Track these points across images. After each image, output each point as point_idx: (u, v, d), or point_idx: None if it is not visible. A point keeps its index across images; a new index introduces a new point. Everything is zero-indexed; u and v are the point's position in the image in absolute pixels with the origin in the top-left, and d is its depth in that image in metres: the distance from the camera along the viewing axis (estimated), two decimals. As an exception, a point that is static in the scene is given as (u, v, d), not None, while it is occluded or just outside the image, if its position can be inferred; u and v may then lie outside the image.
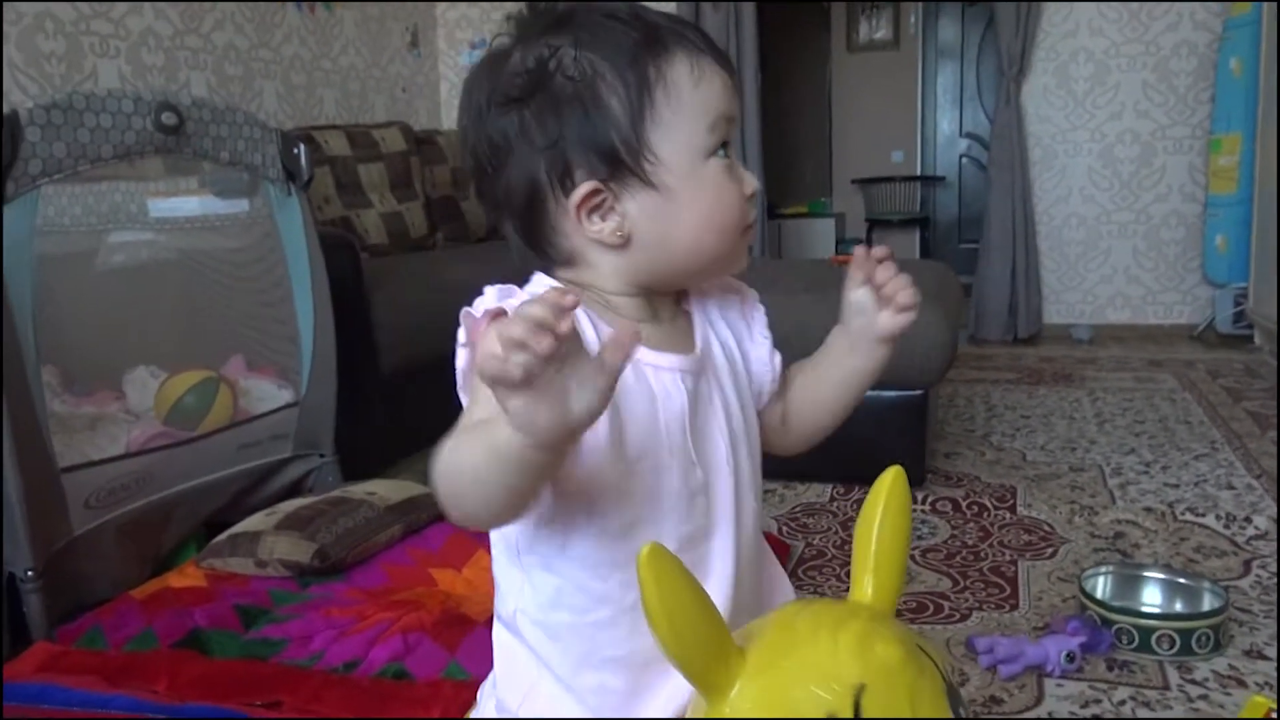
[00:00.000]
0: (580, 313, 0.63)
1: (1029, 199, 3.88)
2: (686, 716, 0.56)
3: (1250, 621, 1.42)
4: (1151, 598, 1.47)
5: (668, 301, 0.70)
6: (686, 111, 0.63)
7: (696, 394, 0.67)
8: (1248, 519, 1.82)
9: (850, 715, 0.48)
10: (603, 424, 0.61)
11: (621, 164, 0.62)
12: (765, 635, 0.53)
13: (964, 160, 6.25)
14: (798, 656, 0.51)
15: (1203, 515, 1.86)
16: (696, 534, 0.65)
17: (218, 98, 3.06)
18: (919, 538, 1.80)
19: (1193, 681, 1.27)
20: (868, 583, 0.57)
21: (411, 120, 4.02)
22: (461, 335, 0.63)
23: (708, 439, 0.67)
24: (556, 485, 0.62)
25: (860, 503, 1.99)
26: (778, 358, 0.75)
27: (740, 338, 0.73)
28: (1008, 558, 1.70)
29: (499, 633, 0.70)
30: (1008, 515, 1.90)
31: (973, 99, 6.14)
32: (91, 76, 2.63)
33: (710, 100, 0.64)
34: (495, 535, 0.68)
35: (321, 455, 2.00)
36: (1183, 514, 1.87)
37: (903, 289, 0.70)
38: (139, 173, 1.86)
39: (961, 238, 6.03)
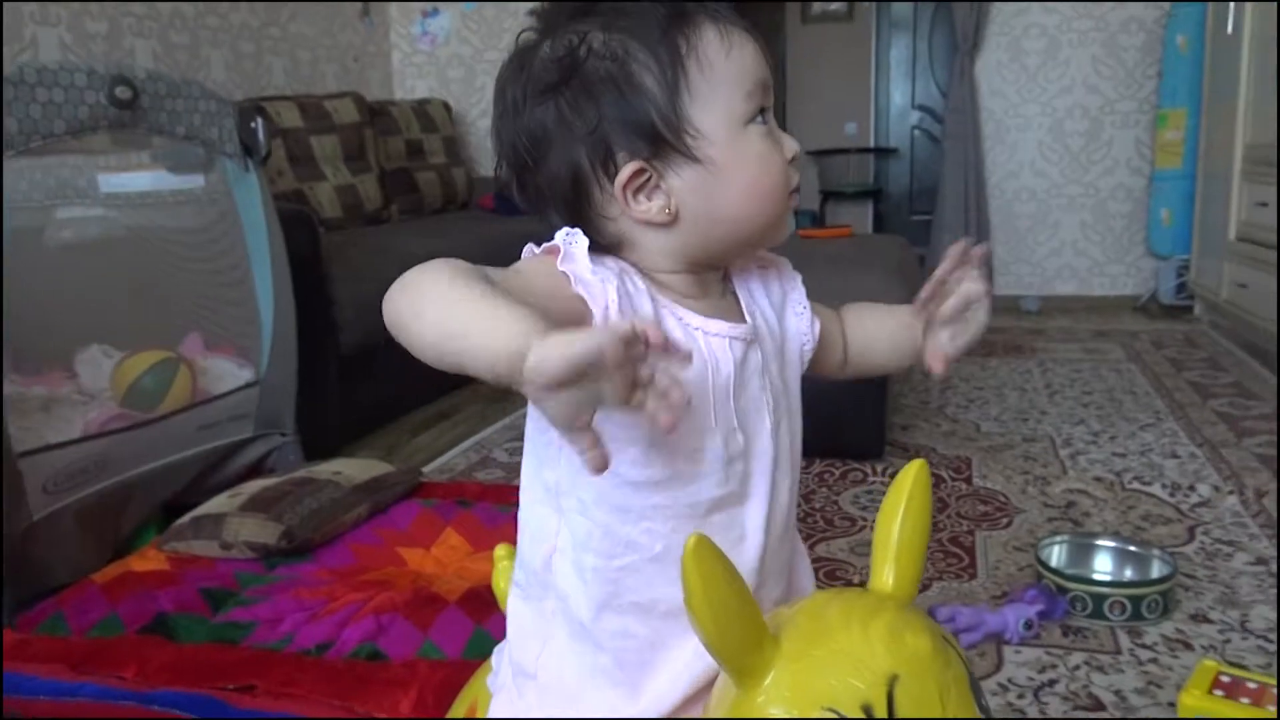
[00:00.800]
0: (640, 284, 0.65)
1: (981, 173, 3.94)
2: (714, 705, 0.57)
3: (1195, 587, 1.48)
4: (1103, 565, 1.53)
5: (715, 278, 0.71)
6: (721, 81, 0.64)
7: (745, 362, 0.68)
8: (1191, 487, 1.89)
9: (884, 705, 0.49)
10: None
11: (663, 140, 0.63)
12: (797, 624, 0.54)
13: (916, 132, 6.30)
14: (831, 646, 0.52)
15: (1149, 484, 1.92)
16: (731, 498, 0.66)
17: (163, 66, 2.98)
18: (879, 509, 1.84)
19: (1143, 645, 1.32)
20: (889, 573, 0.59)
21: (364, 91, 3.95)
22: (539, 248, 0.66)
23: (752, 407, 0.68)
24: (603, 434, 0.60)
25: (821, 476, 2.01)
26: (818, 324, 0.76)
27: (780, 312, 0.75)
28: (965, 528, 1.75)
29: (514, 599, 0.71)
30: (964, 486, 1.95)
31: (925, 71, 6.18)
32: (31, 45, 2.54)
33: (744, 67, 0.65)
34: (528, 481, 0.70)
35: (283, 435, 1.98)
36: (1130, 483, 1.94)
37: (982, 285, 0.72)
38: (87, 146, 1.81)
39: (913, 210, 6.10)
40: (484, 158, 4.40)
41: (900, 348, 0.79)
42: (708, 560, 0.51)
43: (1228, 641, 1.32)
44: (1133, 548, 1.53)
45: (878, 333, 0.81)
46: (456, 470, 2.15)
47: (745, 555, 0.67)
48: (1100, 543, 1.55)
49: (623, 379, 0.48)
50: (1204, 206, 3.50)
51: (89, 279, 1.89)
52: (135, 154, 1.93)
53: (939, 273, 0.73)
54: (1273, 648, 1.31)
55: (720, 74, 0.64)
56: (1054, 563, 1.50)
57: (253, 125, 1.86)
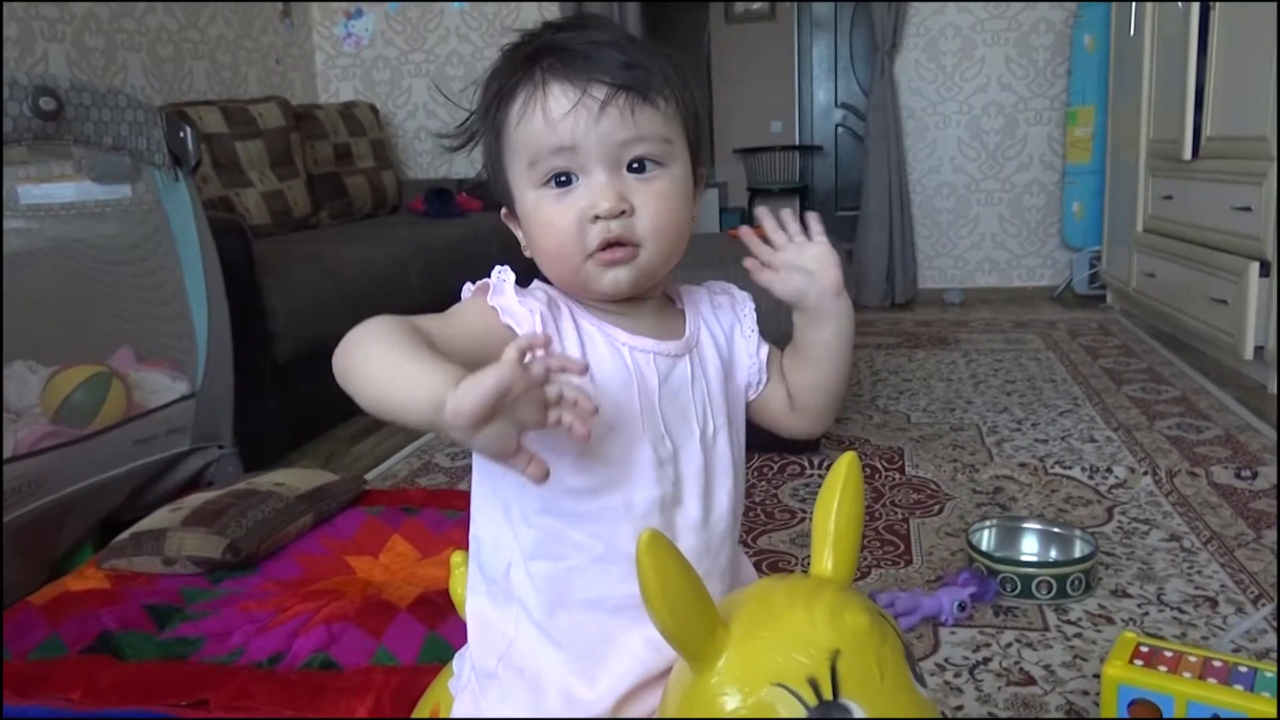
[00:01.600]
0: (562, 304, 0.72)
1: (903, 170, 4.06)
2: (672, 689, 0.61)
3: (1115, 564, 1.57)
4: (1030, 547, 1.60)
5: (647, 302, 0.76)
6: (513, 150, 0.70)
7: (671, 374, 0.73)
8: (1108, 469, 1.99)
9: (828, 678, 0.53)
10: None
11: (499, 189, 0.74)
12: (746, 608, 0.58)
13: (839, 130, 6.44)
14: (777, 627, 0.56)
15: (1070, 468, 2.02)
16: (665, 500, 0.71)
17: (78, 72, 2.89)
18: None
19: (1069, 621, 1.40)
20: (828, 558, 0.64)
21: (287, 94, 3.89)
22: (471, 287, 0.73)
23: (680, 416, 0.73)
24: (541, 447, 0.65)
25: (760, 470, 2.05)
26: (764, 349, 0.80)
27: (731, 335, 0.80)
28: (900, 516, 1.81)
29: (474, 603, 0.75)
30: (898, 476, 2.03)
31: (846, 70, 6.32)
32: (-62, 51, 2.45)
33: (532, 135, 0.69)
34: (480, 501, 0.75)
35: (221, 447, 1.96)
36: (1052, 468, 2.03)
37: (795, 251, 0.75)
38: (5, 158, 1.76)
39: (839, 205, 6.23)
40: (412, 160, 4.37)
41: (826, 353, 0.78)
42: (661, 554, 0.55)
43: (1145, 614, 1.41)
44: (1056, 529, 1.61)
45: (798, 349, 0.80)
46: (399, 477, 2.15)
47: (706, 541, 0.73)
48: (1026, 525, 1.63)
49: (533, 401, 0.54)
50: (1113, 199, 3.66)
51: (11, 293, 1.83)
52: (57, 164, 1.89)
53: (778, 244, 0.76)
54: (1186, 618, 1.39)
55: (512, 142, 0.70)
56: (984, 546, 1.57)
57: (181, 134, 1.83)
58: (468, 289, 0.73)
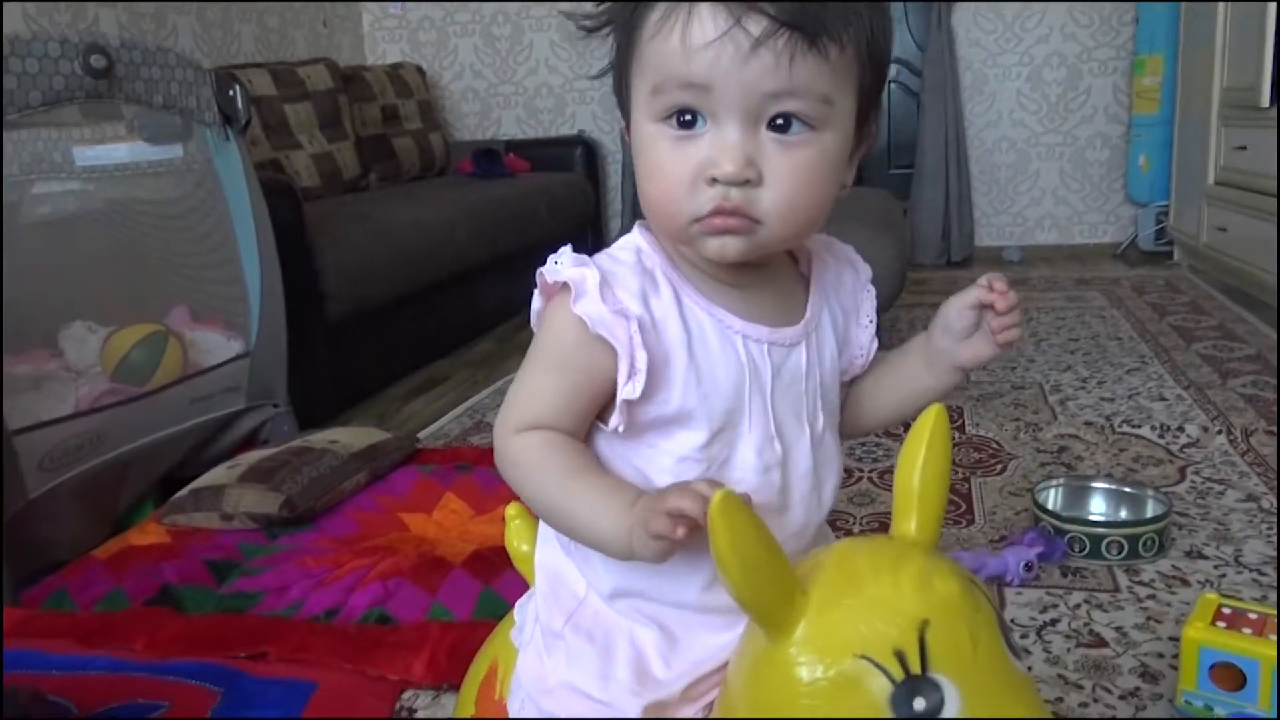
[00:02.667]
0: (662, 277, 0.63)
1: (960, 124, 3.93)
2: (741, 657, 0.57)
3: (1189, 525, 1.51)
4: (1099, 507, 1.55)
5: (771, 262, 0.66)
6: (640, 66, 0.59)
7: (786, 365, 0.65)
8: (1180, 428, 1.92)
9: (916, 650, 0.49)
10: (692, 393, 0.62)
11: (622, 103, 0.62)
12: (826, 573, 0.54)
13: (892, 86, 6.27)
14: (861, 594, 0.52)
15: (1138, 427, 1.95)
16: (766, 509, 0.63)
17: (129, 34, 2.91)
18: (874, 460, 1.85)
19: (1140, 583, 1.35)
20: (911, 518, 0.59)
21: (335, 56, 3.87)
22: (538, 287, 0.64)
23: (793, 411, 0.66)
24: (629, 452, 0.65)
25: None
26: (875, 345, 0.72)
27: (849, 316, 0.71)
28: (960, 475, 1.77)
29: (542, 559, 0.71)
30: (957, 435, 1.97)
31: (900, 23, 6.13)
32: (-6, 15, 2.47)
33: (663, 58, 0.57)
34: None
35: (275, 406, 1.97)
36: (1120, 426, 1.96)
37: (1014, 327, 0.67)
38: (59, 119, 1.77)
39: (892, 163, 6.09)
40: (459, 122, 4.35)
41: (911, 392, 0.73)
42: (735, 515, 0.51)
43: (1223, 576, 1.35)
44: (1127, 489, 1.55)
45: (892, 375, 0.73)
46: (450, 436, 2.14)
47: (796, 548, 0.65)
48: (1095, 485, 1.58)
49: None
50: (1182, 152, 3.51)
51: (68, 255, 1.85)
52: (110, 125, 1.89)
53: (974, 299, 0.68)
54: (1267, 580, 1.33)
55: (642, 58, 0.59)
56: (1051, 505, 1.52)
57: (231, 93, 1.82)
58: (544, 281, 0.63)
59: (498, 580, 1.34)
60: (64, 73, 1.50)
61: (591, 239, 3.87)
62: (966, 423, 2.04)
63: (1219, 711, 1.01)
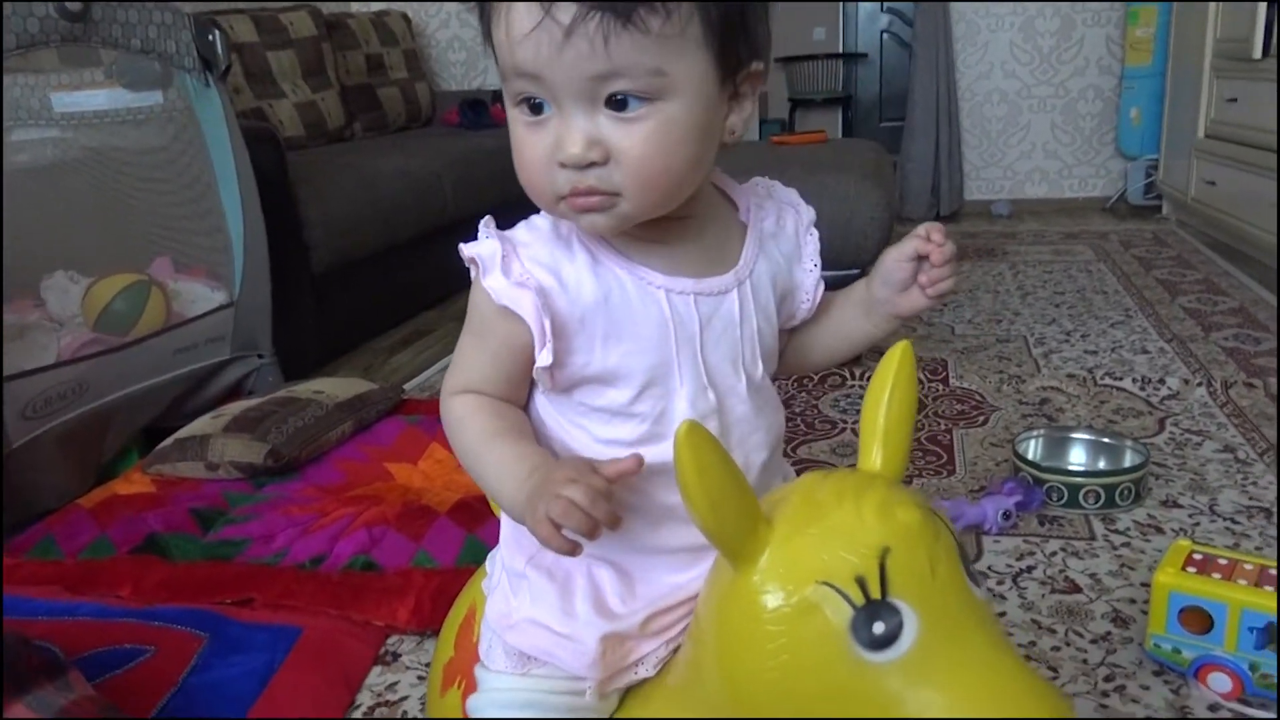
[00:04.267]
0: (578, 240, 0.64)
1: (952, 76, 3.90)
2: (709, 587, 0.59)
3: (1165, 475, 1.53)
4: (1078, 458, 1.57)
5: (699, 210, 0.66)
6: (498, 46, 0.59)
7: (717, 314, 0.66)
8: (1161, 380, 1.94)
9: (877, 576, 0.51)
10: (613, 352, 0.63)
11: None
12: (790, 504, 0.55)
13: (885, 36, 6.20)
14: (824, 523, 0.53)
15: (1120, 379, 1.96)
16: None
17: (108, -20, 2.84)
18: (857, 411, 1.86)
19: (1116, 531, 1.37)
20: (877, 452, 0.60)
21: (318, 2, 3.80)
22: (464, 253, 0.65)
23: (727, 360, 0.66)
24: (565, 409, 0.67)
25: (800, 381, 2.02)
26: (821, 288, 0.73)
27: (790, 260, 0.71)
28: (943, 427, 1.78)
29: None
30: (941, 387, 1.99)
31: (894, -28, 6.05)
32: (-34, -43, 2.41)
33: (500, 49, 0.58)
34: (530, 409, 0.71)
35: (260, 356, 1.96)
36: (1102, 379, 1.97)
37: (947, 279, 0.68)
38: (36, 65, 1.74)
39: (883, 116, 6.04)
40: (445, 71, 4.29)
41: (849, 338, 0.74)
42: (700, 445, 0.52)
43: (1197, 525, 1.37)
44: (1106, 439, 1.57)
45: (833, 317, 0.75)
46: (435, 388, 2.14)
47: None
48: (1075, 435, 1.59)
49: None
50: (1173, 104, 3.49)
51: (48, 203, 1.83)
52: (89, 71, 1.86)
53: (912, 250, 0.68)
54: (1239, 529, 1.36)
55: (494, 40, 0.59)
56: (1030, 455, 1.53)
57: (210, 38, 1.79)
58: (464, 250, 0.64)
59: (481, 528, 1.35)
60: (38, 15, 1.47)
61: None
62: (950, 375, 2.05)
63: (1186, 654, 1.03)
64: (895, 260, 0.69)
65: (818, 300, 0.73)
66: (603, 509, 0.55)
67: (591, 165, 0.57)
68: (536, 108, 0.58)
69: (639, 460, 0.59)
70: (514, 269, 0.62)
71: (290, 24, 3.25)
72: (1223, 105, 3.02)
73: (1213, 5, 3.06)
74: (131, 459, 1.71)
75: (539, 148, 0.58)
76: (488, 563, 0.78)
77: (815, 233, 0.73)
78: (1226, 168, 2.94)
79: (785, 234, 0.71)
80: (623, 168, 0.57)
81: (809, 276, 0.72)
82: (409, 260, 2.71)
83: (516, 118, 0.60)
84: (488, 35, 0.60)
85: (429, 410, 1.84)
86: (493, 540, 0.88)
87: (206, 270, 1.93)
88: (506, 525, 0.73)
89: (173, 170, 1.90)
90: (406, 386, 2.11)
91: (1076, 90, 3.93)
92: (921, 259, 0.68)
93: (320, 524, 1.40)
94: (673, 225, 0.64)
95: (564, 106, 0.57)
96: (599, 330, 0.63)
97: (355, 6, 4.21)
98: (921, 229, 0.68)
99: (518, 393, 0.67)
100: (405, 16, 3.97)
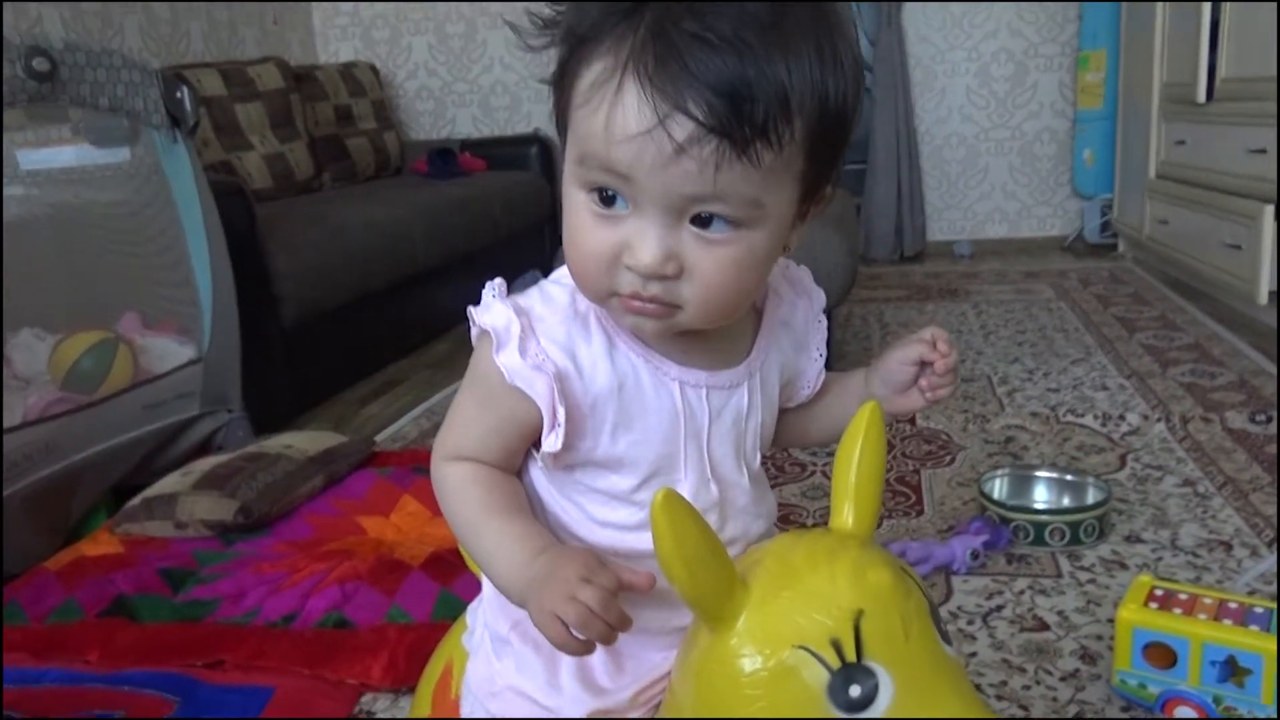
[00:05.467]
0: (596, 321, 0.62)
1: (911, 121, 3.99)
2: (686, 651, 0.59)
3: (1128, 510, 1.56)
4: (1042, 495, 1.59)
5: None
6: (571, 128, 0.56)
7: (726, 407, 0.65)
8: (1121, 417, 1.98)
9: (851, 639, 0.51)
10: (621, 440, 0.62)
11: (560, 133, 0.58)
12: (765, 566, 0.56)
13: (846, 81, 6.34)
14: (798, 587, 0.54)
15: (1082, 416, 2.00)
16: None
17: (74, 34, 2.86)
18: (828, 454, 1.89)
19: (1082, 568, 1.39)
20: (848, 511, 0.61)
21: (285, 55, 3.83)
22: (476, 321, 0.63)
23: (731, 452, 0.66)
24: (564, 486, 0.65)
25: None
26: (823, 377, 0.72)
27: (797, 348, 0.71)
28: (911, 467, 1.80)
29: None
30: (908, 427, 2.01)
31: (853, 20, 6.20)
32: (-69, 17, 2.42)
33: (588, 135, 0.54)
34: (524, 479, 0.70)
35: (230, 411, 1.95)
36: (1064, 416, 2.01)
37: (948, 386, 0.68)
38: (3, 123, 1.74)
39: (846, 160, 6.15)
40: (414, 121, 4.32)
41: (835, 427, 0.72)
42: (678, 512, 0.52)
43: (1160, 559, 1.40)
44: (1069, 477, 1.60)
45: (830, 406, 0.74)
46: (408, 439, 2.14)
47: None
48: (1039, 474, 1.62)
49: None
50: (1125, 146, 3.60)
51: (14, 261, 1.82)
52: (55, 128, 1.87)
53: (917, 355, 0.69)
54: (1200, 562, 1.39)
55: (573, 121, 0.56)
56: (996, 495, 1.56)
57: (179, 95, 1.80)
58: (476, 317, 0.61)
59: (456, 581, 1.35)
60: (6, 75, 1.48)
61: (548, 238, 3.88)
62: (917, 416, 2.08)
63: (1152, 689, 1.05)
64: (899, 363, 0.69)
65: (817, 387, 0.73)
66: (615, 612, 0.54)
67: (663, 278, 0.55)
68: (609, 200, 0.55)
69: (651, 580, 0.57)
70: (530, 349, 0.59)
71: (258, 77, 3.27)
72: (1172, 147, 3.12)
73: (1158, 51, 3.17)
74: (99, 519, 1.69)
75: (605, 244, 0.56)
76: (468, 615, 0.77)
77: (824, 320, 0.72)
78: (1177, 206, 3.03)
79: (796, 322, 0.71)
80: (694, 285, 0.56)
81: (813, 365, 0.72)
82: (380, 310, 2.72)
83: (583, 203, 0.56)
84: (563, 103, 0.56)
85: (400, 462, 1.84)
86: (467, 594, 0.88)
87: (175, 325, 1.92)
88: (490, 586, 0.71)
89: (140, 226, 1.90)
90: (378, 438, 2.10)
91: (1032, 133, 4.03)
92: (924, 364, 0.69)
93: (292, 581, 1.39)
94: None
95: (645, 212, 0.54)
96: (609, 418, 0.62)
97: (323, 58, 4.25)
98: (927, 334, 0.68)
99: (515, 462, 0.66)
100: (373, 67, 4.01)
